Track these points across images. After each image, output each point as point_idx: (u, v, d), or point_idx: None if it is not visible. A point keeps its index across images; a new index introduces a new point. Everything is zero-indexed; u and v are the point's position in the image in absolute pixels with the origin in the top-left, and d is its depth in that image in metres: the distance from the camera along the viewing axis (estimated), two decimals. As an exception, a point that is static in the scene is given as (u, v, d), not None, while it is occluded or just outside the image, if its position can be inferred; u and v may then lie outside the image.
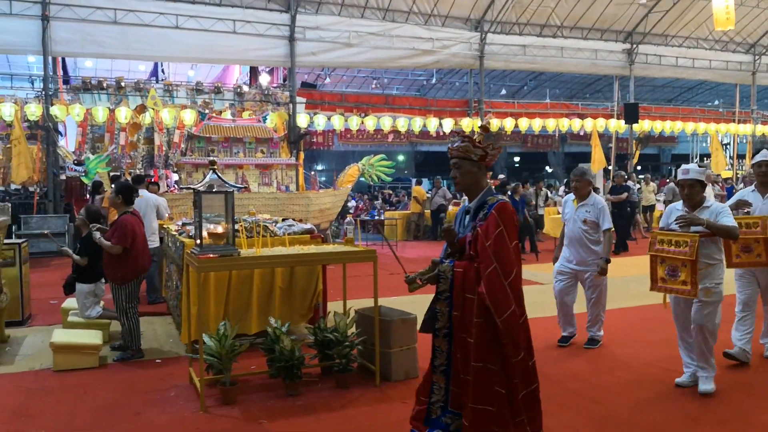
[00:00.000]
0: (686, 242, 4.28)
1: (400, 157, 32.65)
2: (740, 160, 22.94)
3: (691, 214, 4.36)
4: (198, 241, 4.64)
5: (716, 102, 30.59)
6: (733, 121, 22.75)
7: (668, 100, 30.46)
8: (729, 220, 4.30)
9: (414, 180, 19.85)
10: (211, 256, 4.45)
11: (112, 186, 5.87)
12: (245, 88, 16.15)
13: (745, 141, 23.43)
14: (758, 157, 5.20)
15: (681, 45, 20.57)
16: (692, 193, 4.44)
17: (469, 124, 18.27)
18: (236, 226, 5.06)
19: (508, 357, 3.13)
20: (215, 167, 4.73)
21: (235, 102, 15.46)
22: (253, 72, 18.25)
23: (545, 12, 18.04)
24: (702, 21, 19.56)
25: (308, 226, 6.40)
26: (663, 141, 30.29)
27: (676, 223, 4.38)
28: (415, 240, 16.44)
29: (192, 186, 4.76)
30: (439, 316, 3.37)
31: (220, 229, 4.59)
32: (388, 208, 20.94)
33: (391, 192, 24.99)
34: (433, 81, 28.83)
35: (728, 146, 25.03)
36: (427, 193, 17.34)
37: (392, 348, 4.88)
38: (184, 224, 6.66)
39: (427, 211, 16.69)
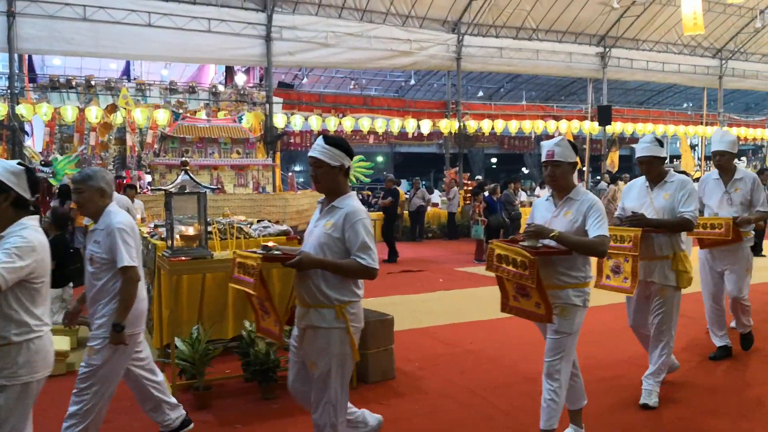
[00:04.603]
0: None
1: (379, 158, 32.65)
2: (708, 161, 23.34)
3: None
4: (169, 244, 4.55)
5: (685, 105, 31.14)
6: (701, 123, 23.16)
7: (640, 102, 30.93)
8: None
9: (392, 181, 19.81)
10: (183, 258, 4.36)
11: None
12: (221, 88, 15.99)
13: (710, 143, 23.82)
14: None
15: (651, 49, 20.88)
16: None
17: (447, 126, 18.31)
18: (209, 228, 4.98)
19: None
20: (187, 168, 4.64)
21: (210, 102, 15.27)
22: (229, 71, 18.08)
23: (521, 15, 18.17)
24: (671, 26, 19.89)
25: (284, 227, 6.32)
26: (635, 142, 30.69)
27: None
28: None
29: (163, 187, 4.66)
30: None
31: (192, 231, 4.51)
32: (367, 209, 20.86)
33: (369, 193, 24.93)
34: (412, 82, 28.90)
35: (696, 148, 25.52)
36: (406, 194, 17.33)
37: (369, 349, 4.83)
38: (155, 226, 6.53)
39: (406, 212, 16.67)
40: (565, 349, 3.39)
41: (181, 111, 13.90)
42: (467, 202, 16.65)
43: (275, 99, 15.94)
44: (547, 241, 3.37)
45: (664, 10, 19.23)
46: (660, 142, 4.32)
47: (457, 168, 18.52)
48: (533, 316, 3.36)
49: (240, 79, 17.07)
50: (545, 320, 3.28)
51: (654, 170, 4.27)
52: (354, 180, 13.05)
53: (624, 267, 3.98)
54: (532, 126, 19.59)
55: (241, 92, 15.77)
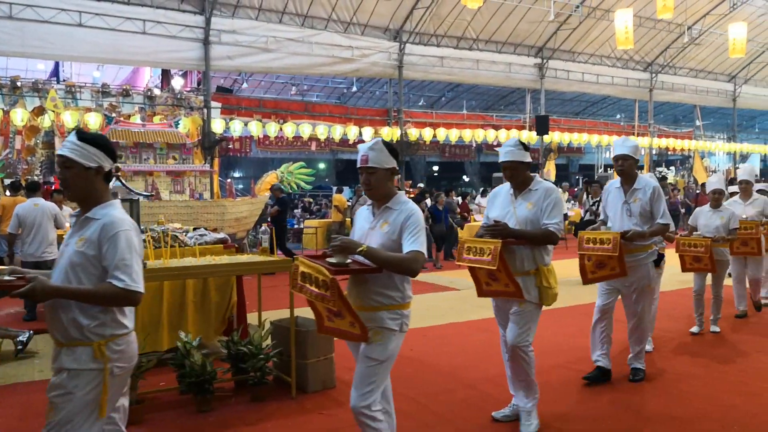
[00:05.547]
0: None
1: (321, 165, 32.53)
2: (639, 170, 24.28)
3: None
4: (99, 252, 4.35)
5: (618, 116, 32.33)
6: (633, 134, 24.10)
7: (576, 113, 31.93)
8: None
9: (335, 188, 19.76)
10: (114, 267, 4.18)
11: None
12: (156, 92, 15.51)
13: (643, 153, 24.92)
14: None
15: (587, 61, 21.60)
16: None
17: (389, 133, 18.38)
18: (143, 236, 4.80)
19: None
20: (120, 174, 4.46)
21: (145, 106, 14.79)
22: (165, 75, 17.59)
23: (462, 25, 18.47)
24: (605, 40, 20.64)
25: (221, 235, 6.16)
26: (571, 152, 31.70)
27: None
28: (334, 248, 16.29)
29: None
30: None
31: (124, 239, 4.32)
32: (308, 216, 20.72)
33: (311, 200, 24.77)
34: (354, 89, 28.90)
35: (630, 157, 26.47)
36: (348, 201, 17.27)
37: (309, 359, 4.76)
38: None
39: (348, 220, 16.63)
40: (376, 379, 2.99)
41: (113, 115, 13.38)
42: (409, 209, 16.72)
43: (213, 104, 15.61)
44: (360, 257, 2.97)
45: (598, 24, 19.94)
46: (525, 146, 3.95)
47: (399, 176, 18.62)
48: (349, 336, 2.99)
49: (177, 82, 16.60)
50: (362, 339, 2.95)
51: (518, 177, 3.94)
52: (295, 187, 12.91)
53: (499, 275, 3.70)
54: (472, 135, 19.91)
55: (178, 96, 15.35)
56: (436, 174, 35.34)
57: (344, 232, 16.72)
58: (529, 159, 3.94)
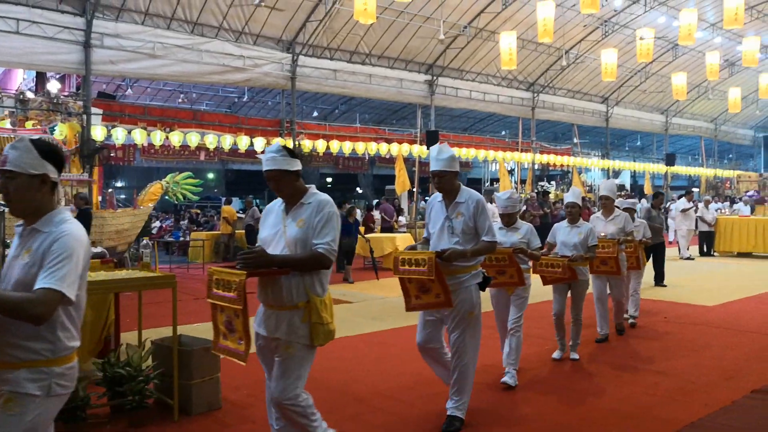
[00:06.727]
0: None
1: (210, 175, 31.67)
2: (522, 185, 25.60)
3: None
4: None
5: (503, 132, 33.96)
6: (517, 149, 25.43)
7: (464, 129, 33.15)
8: None
9: (224, 199, 19.30)
10: (-28, 287, 3.82)
11: None
12: (30, 95, 14.42)
13: (526, 168, 26.33)
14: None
15: (474, 80, 22.56)
16: None
17: (282, 144, 18.19)
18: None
19: None
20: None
21: (16, 110, 13.71)
22: (41, 77, 16.41)
23: (355, 39, 18.69)
24: (491, 60, 21.67)
25: (98, 249, 5.83)
26: (460, 166, 32.66)
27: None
28: (224, 261, 15.89)
29: (-52, 205, 4.07)
30: None
31: (-16, 256, 3.98)
32: (196, 228, 20.04)
33: (198, 211, 23.98)
34: (245, 99, 28.40)
35: (513, 172, 27.93)
36: (238, 212, 16.89)
37: (193, 379, 4.58)
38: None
39: (239, 232, 16.27)
40: None
41: (-21, 119, 12.33)
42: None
43: (94, 110, 14.74)
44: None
45: (484, 45, 20.90)
46: (291, 152, 3.26)
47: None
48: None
49: (53, 86, 15.51)
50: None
51: (285, 188, 3.21)
52: (181, 197, 12.45)
53: (236, 324, 3.03)
54: (365, 147, 20.12)
55: (54, 101, 14.35)
56: (329, 185, 35.39)
57: (233, 243, 16.33)
58: (296, 167, 3.23)
